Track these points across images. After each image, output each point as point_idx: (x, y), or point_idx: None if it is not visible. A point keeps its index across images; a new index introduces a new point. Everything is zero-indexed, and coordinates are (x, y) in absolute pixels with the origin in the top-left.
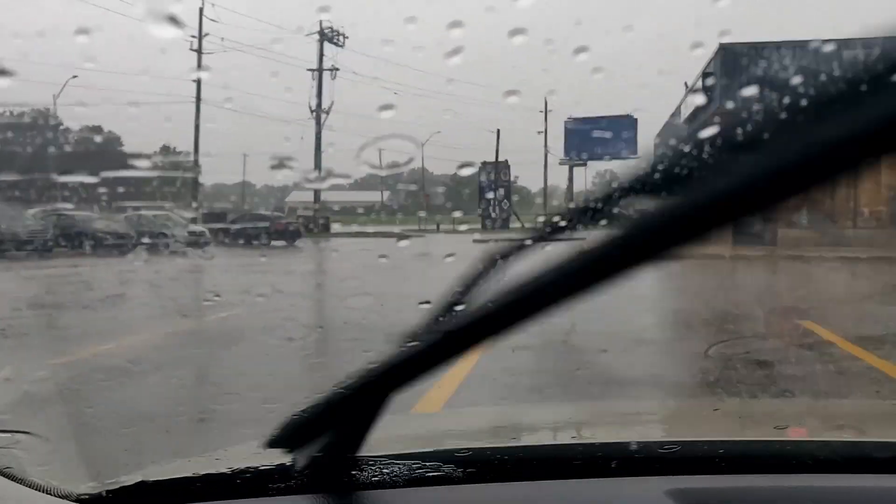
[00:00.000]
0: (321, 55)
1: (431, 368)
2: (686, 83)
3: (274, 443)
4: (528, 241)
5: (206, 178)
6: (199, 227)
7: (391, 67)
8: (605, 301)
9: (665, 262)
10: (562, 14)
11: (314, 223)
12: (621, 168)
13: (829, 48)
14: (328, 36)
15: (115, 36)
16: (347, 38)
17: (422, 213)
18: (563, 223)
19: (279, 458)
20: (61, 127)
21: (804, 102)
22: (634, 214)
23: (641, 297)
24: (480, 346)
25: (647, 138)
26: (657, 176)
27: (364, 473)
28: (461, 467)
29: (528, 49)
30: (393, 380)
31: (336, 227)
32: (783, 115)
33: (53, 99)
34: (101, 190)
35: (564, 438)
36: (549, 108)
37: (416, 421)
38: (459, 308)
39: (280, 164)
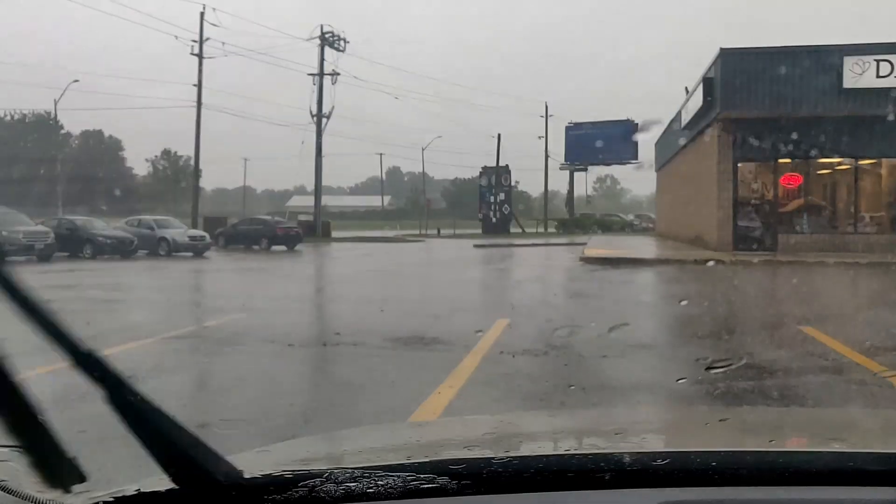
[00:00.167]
0: (322, 60)
1: None
2: (686, 88)
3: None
4: None
5: (207, 183)
6: (199, 232)
7: (392, 72)
8: (606, 303)
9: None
10: (562, 18)
11: (314, 228)
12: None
13: (829, 53)
14: (329, 41)
15: (117, 40)
16: (348, 42)
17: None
18: None
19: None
20: (62, 131)
21: None
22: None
23: (640, 303)
24: None
25: (647, 143)
26: None
27: (359, 485)
28: (456, 479)
29: (528, 54)
30: None
31: (337, 231)
32: None
33: (54, 103)
34: (102, 194)
35: (559, 449)
36: (549, 113)
37: (411, 430)
38: None
39: None
